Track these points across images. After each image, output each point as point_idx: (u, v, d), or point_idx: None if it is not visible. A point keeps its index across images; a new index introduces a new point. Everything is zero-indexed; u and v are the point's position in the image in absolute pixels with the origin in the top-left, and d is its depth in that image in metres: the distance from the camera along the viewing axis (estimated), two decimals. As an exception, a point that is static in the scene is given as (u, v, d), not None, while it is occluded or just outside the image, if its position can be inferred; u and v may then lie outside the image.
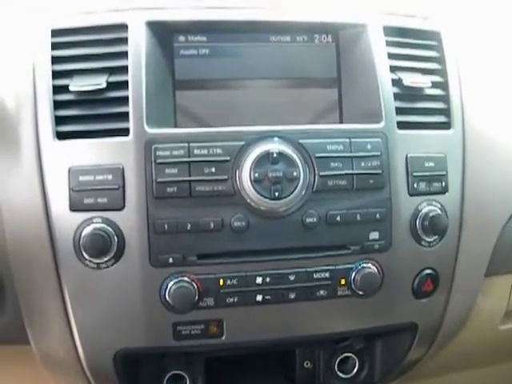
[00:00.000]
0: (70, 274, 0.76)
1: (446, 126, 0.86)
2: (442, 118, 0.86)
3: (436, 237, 0.83)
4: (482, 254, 0.89)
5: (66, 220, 0.75)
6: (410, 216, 0.82)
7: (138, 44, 0.78)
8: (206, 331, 0.79)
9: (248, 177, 0.75)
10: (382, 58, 0.84)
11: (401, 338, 0.90)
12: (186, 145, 0.75)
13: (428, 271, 0.84)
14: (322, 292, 0.80)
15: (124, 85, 0.77)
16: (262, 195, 0.75)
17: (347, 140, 0.79)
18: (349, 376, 0.94)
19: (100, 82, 0.77)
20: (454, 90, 0.87)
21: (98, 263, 0.75)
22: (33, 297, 0.78)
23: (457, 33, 0.91)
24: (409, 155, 0.82)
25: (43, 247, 0.75)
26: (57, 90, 0.77)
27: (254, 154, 0.75)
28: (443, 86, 0.87)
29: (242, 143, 0.76)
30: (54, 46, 0.79)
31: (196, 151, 0.75)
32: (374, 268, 0.80)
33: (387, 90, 0.82)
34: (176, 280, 0.75)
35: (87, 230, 0.74)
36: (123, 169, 0.74)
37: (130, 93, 0.76)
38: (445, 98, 0.87)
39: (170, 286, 0.75)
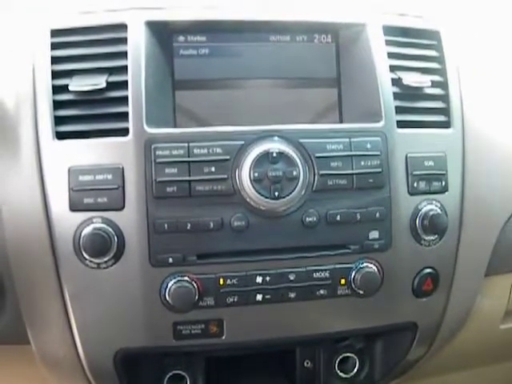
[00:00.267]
0: (70, 274, 0.76)
1: (445, 125, 0.86)
2: (441, 118, 0.86)
3: (436, 236, 0.83)
4: (482, 253, 0.89)
5: (66, 220, 0.75)
6: (409, 215, 0.82)
7: (138, 44, 0.78)
8: (206, 331, 0.79)
9: (248, 176, 0.75)
10: (382, 58, 0.84)
11: (401, 338, 0.90)
12: (186, 144, 0.75)
13: (428, 270, 0.84)
14: (321, 291, 0.80)
15: (123, 85, 0.77)
16: (261, 195, 0.75)
17: (347, 139, 0.79)
18: (349, 376, 0.94)
19: (99, 81, 0.77)
20: (454, 90, 0.87)
21: (97, 263, 0.75)
22: (33, 297, 0.78)
23: (456, 32, 0.91)
24: (408, 154, 0.82)
25: (43, 247, 0.75)
26: (56, 89, 0.77)
27: (254, 154, 0.76)
28: (443, 85, 0.87)
29: (242, 143, 0.76)
30: (54, 46, 0.79)
31: (196, 151, 0.75)
32: (374, 267, 0.80)
33: (387, 90, 0.82)
34: (176, 280, 0.75)
35: (87, 230, 0.74)
36: (123, 168, 0.74)
37: (129, 93, 0.76)
38: (444, 98, 0.87)
39: (170, 285, 0.75)
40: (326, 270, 0.79)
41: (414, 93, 0.85)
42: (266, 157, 0.75)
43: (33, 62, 0.78)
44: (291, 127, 0.79)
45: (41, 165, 0.76)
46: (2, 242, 0.76)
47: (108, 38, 0.79)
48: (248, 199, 0.76)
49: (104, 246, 0.74)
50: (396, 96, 0.83)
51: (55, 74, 0.78)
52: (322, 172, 0.78)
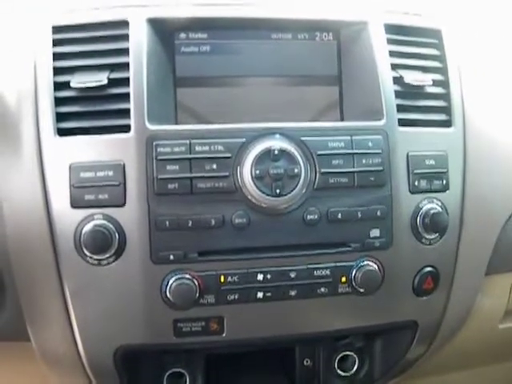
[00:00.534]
0: (70, 271, 0.76)
1: (446, 124, 0.86)
2: (442, 116, 0.86)
3: (436, 234, 0.83)
4: (483, 252, 0.89)
5: (67, 216, 0.75)
6: (410, 214, 0.82)
7: (139, 41, 0.78)
8: (206, 328, 0.79)
9: (249, 173, 0.75)
10: (383, 56, 0.84)
11: (401, 336, 0.90)
12: (188, 141, 0.75)
13: (428, 269, 0.84)
14: (322, 289, 0.80)
15: (125, 81, 0.77)
16: (263, 192, 0.75)
17: (348, 137, 0.79)
18: (348, 374, 0.94)
19: (101, 78, 0.77)
20: (455, 88, 0.87)
21: (98, 260, 0.75)
22: (33, 293, 0.78)
23: (458, 31, 0.91)
24: (410, 153, 0.82)
25: (44, 244, 0.75)
26: (58, 86, 0.77)
27: (256, 151, 0.75)
28: (444, 84, 0.87)
29: (243, 140, 0.76)
30: (55, 43, 0.79)
31: (197, 148, 0.75)
32: (375, 265, 0.80)
33: (388, 88, 0.82)
34: (177, 277, 0.75)
35: (88, 227, 0.73)
36: (124, 165, 0.74)
37: (131, 89, 0.76)
38: (445, 96, 0.87)
39: (170, 282, 0.75)
40: (326, 267, 0.79)
41: (416, 91, 0.85)
42: (267, 154, 0.75)
43: (34, 58, 0.78)
44: (293, 125, 0.79)
45: (42, 161, 0.76)
46: (3, 239, 0.76)
47: (110, 34, 0.79)
48: (249, 197, 0.76)
49: (105, 243, 0.73)
50: (397, 94, 0.83)
51: (57, 71, 0.78)
52: (323, 170, 0.78)
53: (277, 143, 0.76)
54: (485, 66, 0.94)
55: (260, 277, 0.78)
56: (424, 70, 0.87)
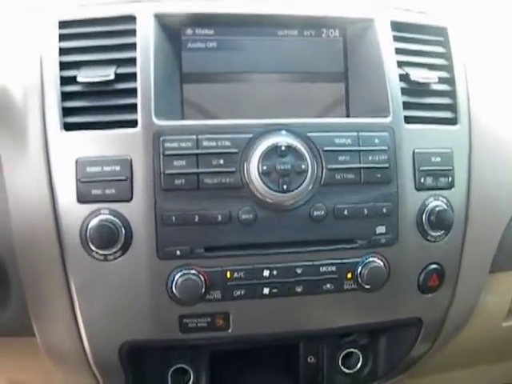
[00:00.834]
0: (76, 266, 0.75)
1: (452, 121, 0.86)
2: (448, 114, 0.87)
3: (442, 232, 0.83)
4: (487, 249, 0.89)
5: (74, 211, 0.74)
6: (416, 211, 0.82)
7: (147, 36, 0.78)
8: (212, 324, 0.79)
9: (256, 169, 0.75)
10: (390, 53, 0.84)
11: (405, 334, 0.90)
12: (195, 137, 0.75)
13: (434, 266, 0.84)
14: (328, 285, 0.80)
15: (132, 76, 0.77)
16: (269, 188, 0.75)
17: (355, 134, 0.79)
18: (352, 371, 0.94)
19: (108, 73, 0.76)
20: (461, 86, 0.87)
21: (105, 255, 0.74)
22: (39, 289, 0.78)
23: (463, 29, 0.91)
24: (416, 150, 0.82)
25: (50, 239, 0.75)
26: (64, 81, 0.77)
27: (263, 147, 0.75)
28: (450, 81, 0.88)
29: (250, 136, 0.76)
30: (62, 38, 0.79)
31: (204, 143, 0.75)
32: (381, 262, 0.81)
33: (395, 85, 0.82)
34: (183, 272, 0.75)
35: (94, 222, 0.73)
36: (131, 160, 0.74)
37: (138, 84, 0.76)
38: (451, 94, 0.87)
39: (176, 278, 0.75)
40: (332, 264, 0.79)
41: (422, 89, 0.85)
42: (274, 150, 0.75)
43: (41, 53, 0.78)
44: (300, 121, 0.79)
45: (48, 156, 0.75)
46: (9, 234, 0.76)
47: (117, 29, 0.79)
48: (256, 192, 0.76)
49: (111, 238, 0.73)
50: (403, 92, 0.83)
51: (63, 66, 0.78)
52: (330, 166, 0.78)
53: (284, 139, 0.76)
54: (490, 63, 0.94)
55: (266, 273, 0.78)
56: (430, 67, 0.87)
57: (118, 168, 0.74)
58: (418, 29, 0.88)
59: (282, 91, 0.85)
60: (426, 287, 0.84)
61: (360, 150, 0.79)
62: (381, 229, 0.80)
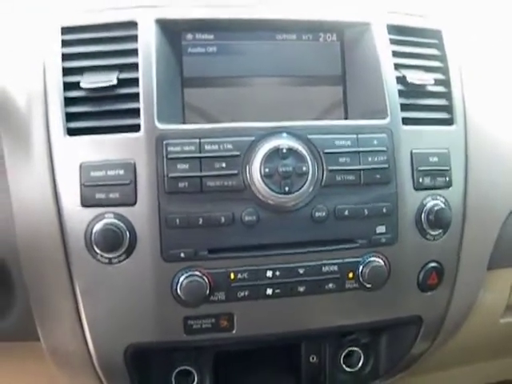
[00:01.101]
0: (81, 269, 0.76)
1: (448, 122, 0.88)
2: (444, 115, 0.88)
3: (440, 230, 0.85)
4: (484, 247, 0.91)
5: (78, 215, 0.75)
6: (415, 210, 0.83)
7: (148, 41, 0.79)
8: (216, 325, 0.79)
9: (258, 172, 0.76)
10: (387, 56, 0.85)
11: (405, 332, 0.91)
12: (197, 140, 0.76)
13: (433, 264, 0.85)
14: (330, 285, 0.81)
15: (135, 82, 0.78)
16: (272, 190, 0.76)
17: (354, 136, 0.80)
18: (354, 370, 0.95)
19: (111, 78, 0.77)
20: (456, 88, 0.89)
21: (109, 258, 0.75)
22: (43, 292, 0.78)
23: (458, 31, 0.93)
24: (413, 150, 0.83)
25: (54, 243, 0.76)
26: (67, 86, 0.78)
27: (264, 150, 0.77)
28: (445, 83, 0.89)
29: (252, 139, 0.77)
30: (64, 44, 0.79)
31: (207, 147, 0.76)
32: (381, 261, 0.82)
33: (392, 87, 0.84)
34: (187, 274, 0.76)
35: (99, 225, 0.74)
36: (135, 164, 0.75)
37: (140, 89, 0.77)
38: (447, 95, 0.89)
39: (181, 280, 0.76)
40: (334, 264, 0.81)
41: (418, 90, 0.87)
42: (276, 153, 0.77)
43: (44, 59, 0.79)
44: (300, 124, 0.80)
45: (52, 161, 0.76)
46: (13, 238, 0.76)
47: (118, 35, 0.80)
48: (258, 194, 0.77)
49: (116, 241, 0.74)
50: (401, 93, 0.85)
51: (66, 71, 0.78)
52: (330, 168, 0.79)
53: (285, 142, 0.77)
54: (485, 65, 0.96)
55: (269, 273, 0.79)
56: (426, 69, 0.89)
57: (121, 172, 0.75)
58: (413, 32, 0.89)
59: (281, 94, 0.87)
60: (426, 285, 0.86)
61: (359, 152, 0.80)
62: (381, 228, 0.82)
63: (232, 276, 0.78)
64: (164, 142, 0.75)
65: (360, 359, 0.95)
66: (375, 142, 0.81)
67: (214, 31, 0.85)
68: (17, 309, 0.80)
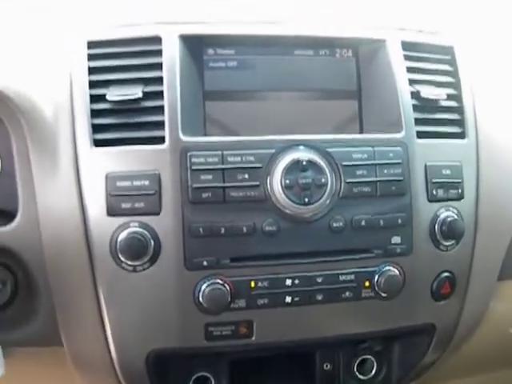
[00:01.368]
0: (105, 276, 0.78)
1: (460, 135, 0.91)
2: (456, 129, 0.91)
3: (453, 241, 0.87)
4: (496, 257, 0.93)
5: (103, 224, 0.77)
6: (429, 221, 0.86)
7: (172, 56, 0.82)
8: (236, 332, 0.81)
9: (279, 183, 0.78)
10: (401, 72, 0.88)
11: (418, 340, 0.93)
12: (220, 152, 0.78)
13: (446, 274, 0.88)
14: (347, 294, 0.83)
15: (159, 95, 0.80)
16: (292, 200, 0.79)
17: (371, 149, 0.83)
18: (367, 377, 0.97)
19: (136, 91, 0.80)
20: (467, 102, 0.92)
21: (134, 266, 0.77)
22: (68, 299, 0.80)
23: (469, 47, 0.96)
24: (427, 163, 0.86)
25: (79, 251, 0.78)
26: (94, 99, 0.80)
27: (285, 162, 0.79)
28: (457, 98, 0.92)
29: (273, 151, 0.80)
30: (91, 57, 0.82)
31: (230, 158, 0.78)
32: (396, 271, 0.84)
33: (406, 102, 0.87)
34: (209, 282, 0.78)
35: (124, 234, 0.76)
36: (159, 175, 0.77)
37: (165, 102, 0.80)
38: (459, 110, 0.91)
39: (203, 288, 0.78)
40: (351, 273, 0.83)
41: (431, 105, 0.90)
42: (296, 165, 0.79)
43: (70, 71, 0.81)
44: (319, 137, 0.82)
45: (78, 171, 0.78)
46: (39, 246, 0.78)
47: (144, 50, 0.82)
48: (279, 205, 0.79)
49: (141, 250, 0.76)
50: (415, 108, 0.87)
51: (92, 84, 0.81)
52: (348, 179, 0.81)
53: (305, 154, 0.80)
54: (495, 79, 0.98)
55: (288, 282, 0.81)
56: (438, 84, 0.91)
57: (147, 182, 0.77)
58: (426, 48, 0.92)
59: (298, 108, 0.89)
60: (439, 294, 0.88)
61: (376, 164, 0.83)
62: (396, 239, 0.84)
63: (252, 284, 0.80)
64: (188, 154, 0.78)
65: (373, 367, 0.97)
66: (391, 155, 0.84)
67: (234, 46, 0.87)
68: (41, 315, 0.82)
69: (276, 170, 0.79)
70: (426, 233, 0.86)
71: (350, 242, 0.82)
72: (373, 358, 0.97)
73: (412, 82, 0.89)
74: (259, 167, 0.79)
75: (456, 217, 0.86)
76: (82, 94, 0.80)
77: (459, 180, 0.88)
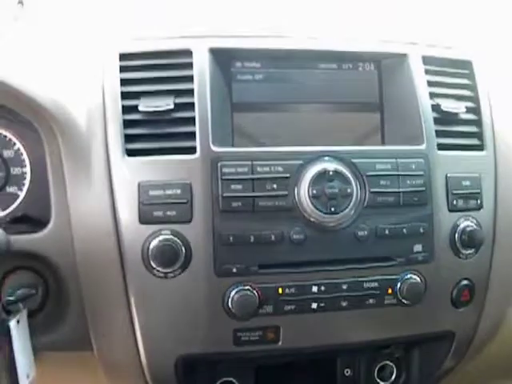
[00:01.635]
0: (137, 283, 0.80)
1: (479, 147, 0.93)
2: (475, 141, 0.94)
3: (472, 250, 0.90)
4: None
5: (136, 232, 0.79)
6: (449, 230, 0.88)
7: (203, 68, 0.85)
8: (263, 337, 0.84)
9: (306, 193, 0.81)
10: (422, 85, 0.91)
11: (438, 347, 0.95)
12: (250, 163, 0.81)
13: (465, 282, 0.90)
14: (371, 300, 0.85)
15: (190, 106, 0.83)
16: (318, 210, 0.81)
17: (394, 160, 0.86)
18: (387, 383, 0.99)
19: (168, 103, 0.82)
20: (486, 115, 0.95)
21: (165, 272, 0.79)
22: (99, 304, 0.82)
23: (486, 61, 0.98)
24: (448, 174, 0.89)
25: (111, 258, 0.80)
26: (126, 109, 0.83)
27: (312, 172, 0.82)
28: (475, 111, 0.95)
29: (301, 162, 0.82)
30: (122, 69, 0.85)
31: (259, 169, 0.81)
32: (418, 278, 0.86)
33: (427, 115, 0.90)
34: (238, 289, 0.80)
35: (156, 241, 0.78)
36: (191, 184, 0.80)
37: (196, 113, 0.82)
38: (477, 122, 0.94)
39: (232, 294, 0.80)
40: (375, 280, 0.85)
41: (451, 118, 0.92)
42: (322, 175, 0.81)
43: (103, 83, 0.84)
44: (345, 148, 0.85)
45: (111, 180, 0.81)
46: (71, 253, 0.81)
47: (175, 62, 0.85)
48: (306, 214, 0.81)
49: (173, 257, 0.78)
50: (436, 121, 0.90)
51: (124, 95, 0.83)
52: (372, 190, 0.84)
53: (331, 165, 0.82)
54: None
55: (315, 288, 0.83)
56: (457, 98, 0.94)
57: (178, 191, 0.79)
58: (446, 63, 0.95)
59: (322, 120, 0.92)
60: (459, 302, 0.90)
61: (399, 175, 0.85)
62: (418, 247, 0.86)
63: (280, 290, 0.82)
64: (219, 164, 0.80)
65: (393, 373, 0.99)
66: (413, 167, 0.86)
67: (261, 60, 0.90)
68: (71, 320, 0.84)
69: (303, 180, 0.81)
70: (446, 241, 0.88)
71: (374, 251, 0.85)
72: (392, 364, 0.99)
73: (432, 95, 0.92)
74: (287, 177, 0.81)
75: (475, 226, 0.89)
76: (115, 104, 0.83)
77: (478, 191, 0.91)
